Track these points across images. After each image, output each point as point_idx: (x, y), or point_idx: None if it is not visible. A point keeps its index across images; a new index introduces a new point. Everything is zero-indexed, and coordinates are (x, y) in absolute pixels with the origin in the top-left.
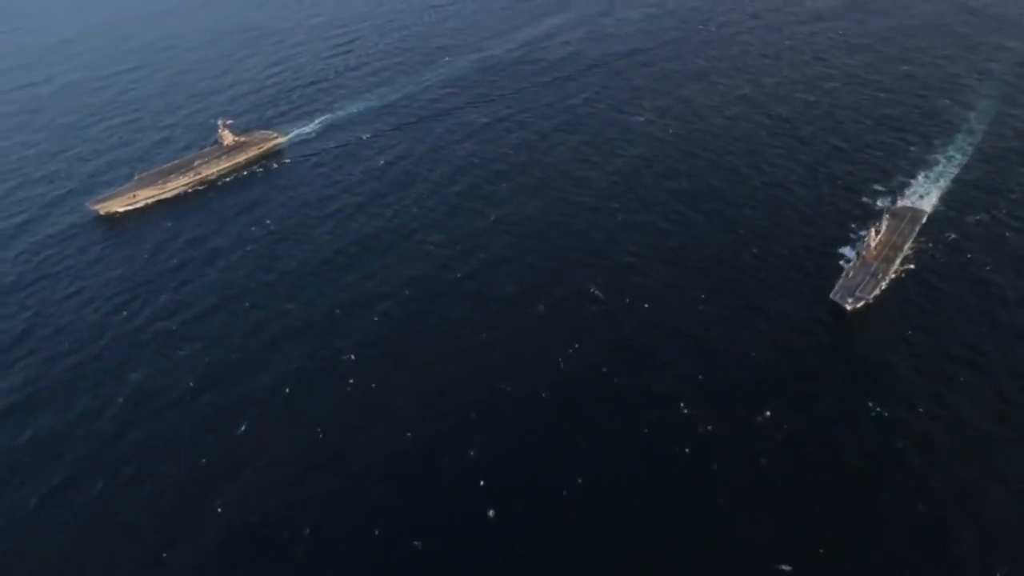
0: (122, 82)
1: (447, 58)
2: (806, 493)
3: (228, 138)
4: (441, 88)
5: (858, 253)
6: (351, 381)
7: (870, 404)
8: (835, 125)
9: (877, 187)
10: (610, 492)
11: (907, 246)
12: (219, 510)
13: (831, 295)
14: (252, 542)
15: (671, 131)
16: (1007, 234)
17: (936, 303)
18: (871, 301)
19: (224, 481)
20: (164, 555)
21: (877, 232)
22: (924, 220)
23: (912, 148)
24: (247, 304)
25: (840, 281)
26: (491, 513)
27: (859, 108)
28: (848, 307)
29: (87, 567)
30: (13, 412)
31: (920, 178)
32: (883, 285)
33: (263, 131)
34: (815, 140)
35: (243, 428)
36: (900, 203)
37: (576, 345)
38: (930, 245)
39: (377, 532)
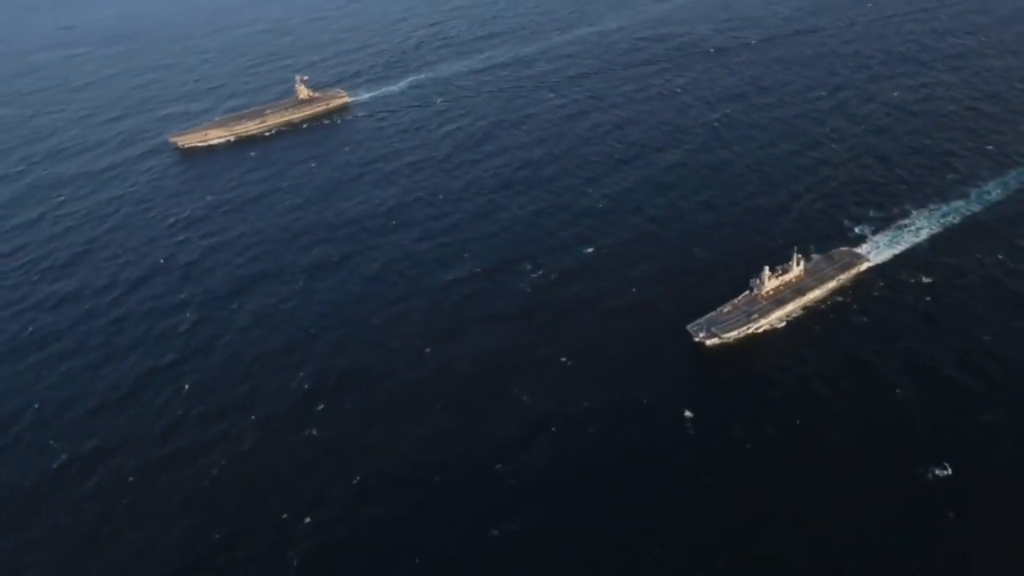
0: (302, 30)
1: (557, 31)
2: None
3: (303, 92)
4: (536, 61)
5: (751, 289)
6: (307, 322)
7: (688, 415)
8: (902, 134)
9: (872, 213)
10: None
11: (817, 292)
12: (149, 388)
13: (688, 325)
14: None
15: (721, 129)
16: (954, 297)
17: (803, 354)
18: (727, 340)
19: (160, 360)
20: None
21: (779, 272)
22: (862, 267)
23: (951, 176)
24: (259, 239)
25: (710, 314)
26: (321, 408)
27: (945, 116)
28: (698, 340)
29: (46, 406)
30: (66, 296)
31: (927, 211)
32: (755, 327)
33: (334, 89)
34: (856, 149)
35: (190, 324)
36: (880, 234)
37: (478, 313)
38: (852, 294)
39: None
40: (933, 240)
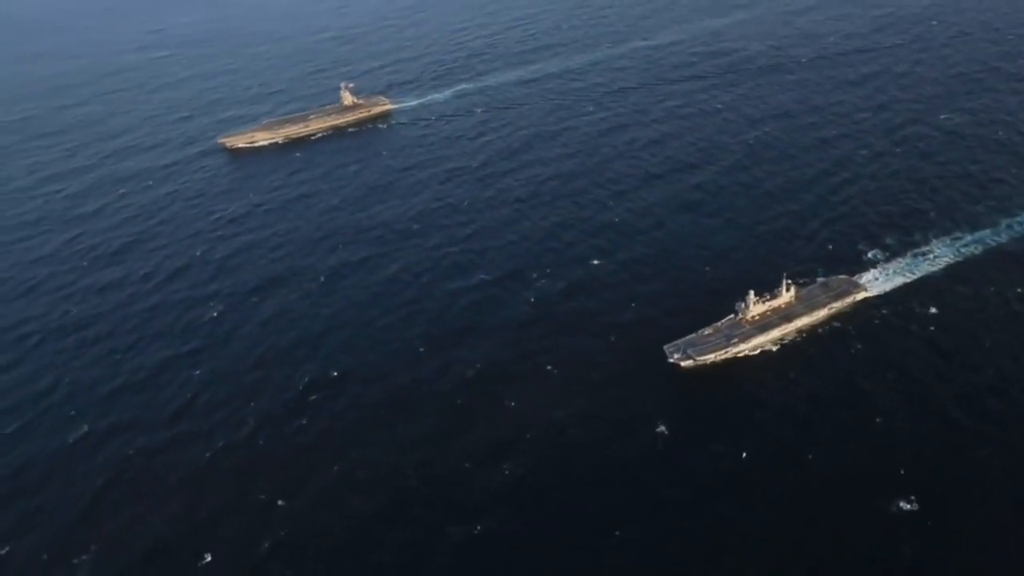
0: (367, 38)
1: (609, 44)
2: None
3: (348, 99)
4: (585, 74)
5: (736, 313)
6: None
7: (660, 431)
8: (946, 159)
9: (891, 239)
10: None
11: (805, 319)
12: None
13: (665, 346)
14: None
15: (758, 147)
16: (962, 329)
17: (789, 379)
18: (701, 362)
19: (182, 347)
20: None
21: (767, 297)
22: (859, 296)
23: (986, 203)
24: (292, 237)
25: (690, 335)
26: (319, 402)
27: (996, 141)
28: (672, 361)
29: (77, 383)
30: (111, 282)
31: (949, 239)
32: (734, 351)
33: (377, 96)
34: (893, 172)
35: (215, 314)
36: (894, 261)
37: (481, 320)
38: (847, 322)
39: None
40: (949, 269)
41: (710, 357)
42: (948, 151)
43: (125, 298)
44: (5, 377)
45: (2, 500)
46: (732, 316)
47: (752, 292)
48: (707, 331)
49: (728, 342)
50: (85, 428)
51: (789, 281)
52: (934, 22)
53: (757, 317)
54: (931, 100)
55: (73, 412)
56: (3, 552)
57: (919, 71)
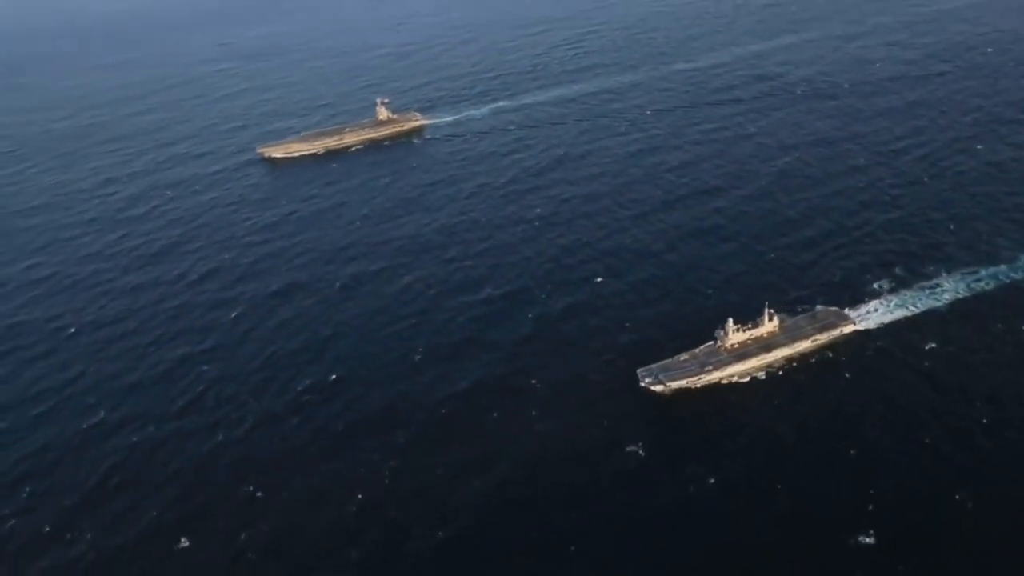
0: (417, 55)
1: (652, 66)
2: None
3: (383, 114)
4: (625, 94)
5: (715, 340)
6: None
7: (634, 451)
8: (978, 191)
9: (899, 270)
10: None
11: (786, 350)
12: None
13: (638, 369)
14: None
15: (786, 173)
16: (957, 366)
17: (768, 411)
18: (672, 388)
19: (197, 346)
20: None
21: (749, 326)
22: (846, 329)
23: (1009, 237)
24: (316, 246)
25: (665, 360)
26: (315, 404)
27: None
28: (643, 385)
29: (100, 374)
30: (145, 282)
31: (959, 273)
32: (708, 379)
33: (411, 112)
34: (919, 202)
35: (234, 315)
36: (899, 293)
37: (480, 335)
38: (834, 355)
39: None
40: (956, 304)
41: (681, 383)
42: (984, 182)
43: (156, 296)
44: (39, 365)
45: (17, 478)
46: (711, 343)
47: (731, 320)
48: (683, 356)
49: (702, 369)
50: (101, 415)
51: (771, 311)
52: (989, 49)
53: (736, 345)
54: (973, 129)
55: (92, 400)
56: (9, 525)
57: (965, 99)
